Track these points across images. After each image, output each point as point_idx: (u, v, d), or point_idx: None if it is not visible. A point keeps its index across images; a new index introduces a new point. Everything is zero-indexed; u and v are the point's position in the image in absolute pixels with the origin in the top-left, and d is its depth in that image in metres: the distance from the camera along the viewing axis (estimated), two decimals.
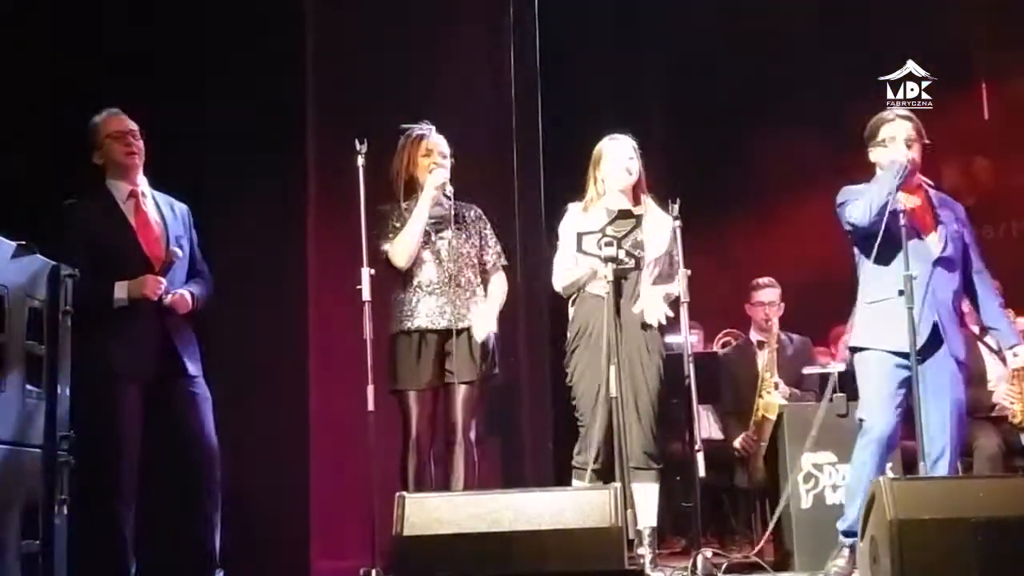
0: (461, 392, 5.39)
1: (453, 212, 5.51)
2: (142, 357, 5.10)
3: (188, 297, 5.22)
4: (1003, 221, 8.85)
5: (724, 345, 7.91)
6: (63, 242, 4.91)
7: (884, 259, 5.09)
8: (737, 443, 7.05)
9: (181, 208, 5.40)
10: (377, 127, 5.53)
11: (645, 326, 5.38)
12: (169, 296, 5.14)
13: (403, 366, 5.42)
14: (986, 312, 5.35)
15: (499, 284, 5.66)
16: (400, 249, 5.42)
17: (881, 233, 4.99)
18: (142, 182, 5.29)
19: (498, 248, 5.68)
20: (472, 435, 5.41)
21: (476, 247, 5.59)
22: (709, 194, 8.36)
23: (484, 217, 5.68)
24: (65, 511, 4.15)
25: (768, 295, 7.33)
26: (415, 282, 5.47)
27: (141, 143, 5.27)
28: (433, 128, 5.58)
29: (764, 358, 7.20)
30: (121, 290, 5.03)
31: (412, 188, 5.54)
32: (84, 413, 4.56)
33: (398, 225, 5.46)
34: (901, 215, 5.00)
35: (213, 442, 5.22)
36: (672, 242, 5.46)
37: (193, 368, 5.23)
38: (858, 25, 8.61)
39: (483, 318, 5.48)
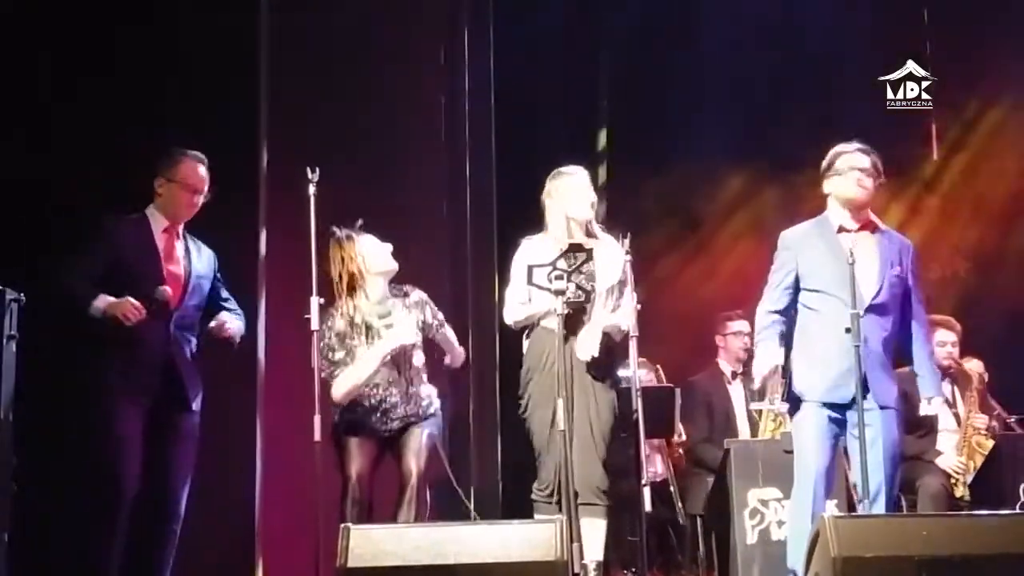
0: (417, 438, 5.29)
1: (392, 311, 5.41)
2: (143, 381, 5.11)
3: (231, 327, 5.31)
4: (949, 260, 8.93)
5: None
6: (86, 253, 5.12)
7: (816, 308, 5.14)
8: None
9: (208, 253, 5.46)
10: (329, 157, 5.52)
11: (595, 360, 5.39)
12: (214, 322, 5.29)
13: (348, 419, 5.35)
14: (916, 358, 5.34)
15: (455, 350, 5.68)
16: (343, 388, 5.28)
17: (809, 283, 5.06)
18: (181, 225, 5.37)
19: (439, 318, 5.56)
20: (427, 490, 5.26)
21: (420, 337, 5.46)
22: (659, 228, 8.41)
23: (424, 300, 5.53)
24: (6, 538, 4.12)
25: (745, 326, 7.18)
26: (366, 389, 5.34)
27: (201, 200, 5.33)
28: (360, 228, 5.46)
29: (739, 389, 7.21)
30: (101, 301, 4.99)
31: (353, 286, 5.41)
32: (85, 434, 4.64)
33: (338, 350, 5.33)
34: (849, 262, 5.01)
35: (186, 483, 5.21)
36: (624, 272, 5.48)
37: (193, 402, 5.24)
38: (812, 66, 8.68)
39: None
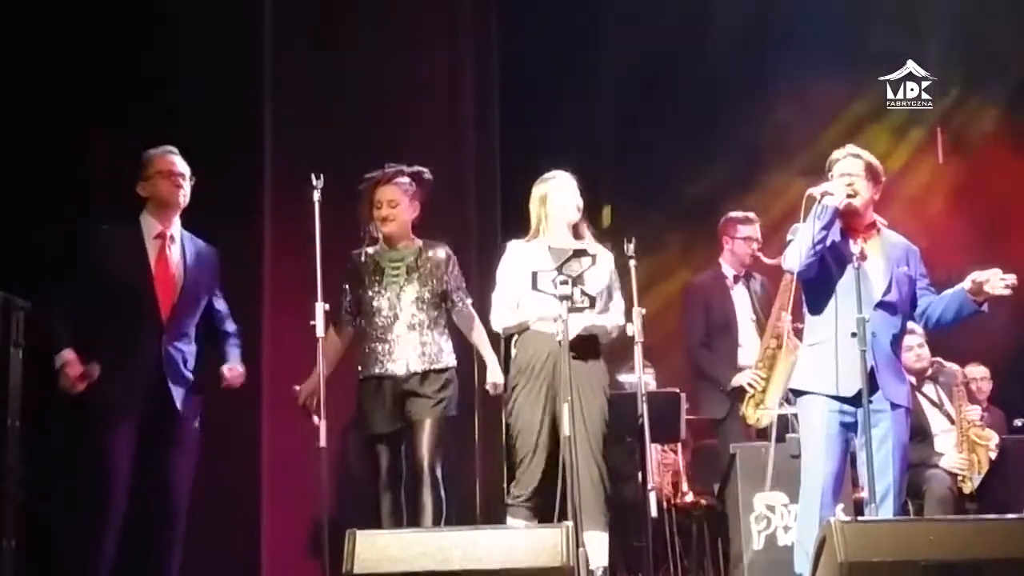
0: (426, 429, 5.44)
1: (415, 258, 5.59)
2: (134, 399, 5.04)
3: (241, 370, 5.32)
4: (955, 265, 8.91)
5: None
6: (61, 277, 5.06)
7: (823, 301, 5.11)
8: (745, 380, 6.71)
9: (208, 258, 5.38)
10: (334, 162, 5.52)
11: (589, 365, 5.37)
12: (226, 369, 5.27)
13: (373, 411, 5.49)
14: (939, 301, 5.26)
15: (476, 327, 5.74)
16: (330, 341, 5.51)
17: (818, 278, 5.02)
18: (175, 225, 5.29)
19: (461, 285, 5.72)
20: (439, 472, 5.43)
21: (439, 291, 5.63)
22: (660, 229, 8.41)
23: (451, 257, 5.73)
24: (13, 544, 4.12)
25: (755, 231, 6.98)
26: (379, 331, 5.55)
27: (188, 187, 5.27)
28: (388, 173, 5.62)
29: (742, 293, 7.00)
30: (61, 359, 4.96)
31: (374, 236, 5.68)
32: (75, 454, 4.72)
33: (357, 289, 5.61)
34: (855, 258, 5.00)
35: (186, 492, 5.18)
36: (611, 278, 5.47)
37: (187, 415, 5.17)
38: (814, 68, 8.67)
39: (492, 374, 5.67)
